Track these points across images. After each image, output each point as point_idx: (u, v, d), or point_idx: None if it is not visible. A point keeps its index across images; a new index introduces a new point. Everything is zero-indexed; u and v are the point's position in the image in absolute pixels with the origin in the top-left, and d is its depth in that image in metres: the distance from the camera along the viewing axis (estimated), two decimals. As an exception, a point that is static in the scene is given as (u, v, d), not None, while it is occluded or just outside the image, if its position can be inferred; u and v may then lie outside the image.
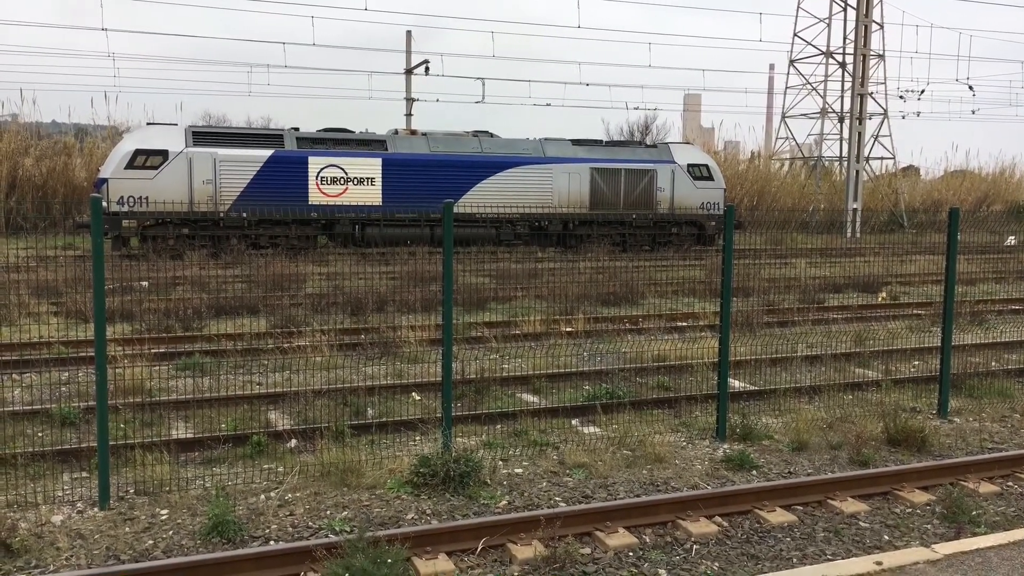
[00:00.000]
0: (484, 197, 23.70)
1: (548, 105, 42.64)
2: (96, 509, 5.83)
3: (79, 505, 5.90)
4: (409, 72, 34.81)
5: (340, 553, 4.84)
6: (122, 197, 20.86)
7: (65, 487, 6.19)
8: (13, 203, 27.14)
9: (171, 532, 5.53)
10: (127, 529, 5.56)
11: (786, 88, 40.84)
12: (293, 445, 7.14)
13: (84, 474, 6.48)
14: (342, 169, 22.82)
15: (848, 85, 36.70)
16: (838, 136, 39.28)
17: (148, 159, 21.19)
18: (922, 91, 40.23)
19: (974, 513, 6.04)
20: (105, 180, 20.96)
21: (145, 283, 14.75)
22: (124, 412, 7.69)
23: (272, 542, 5.42)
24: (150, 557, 5.18)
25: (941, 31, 40.67)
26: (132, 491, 6.15)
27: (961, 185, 44.00)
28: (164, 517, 5.75)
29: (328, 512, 5.90)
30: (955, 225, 8.42)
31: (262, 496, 6.12)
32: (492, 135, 25.48)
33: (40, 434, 7.37)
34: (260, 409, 8.12)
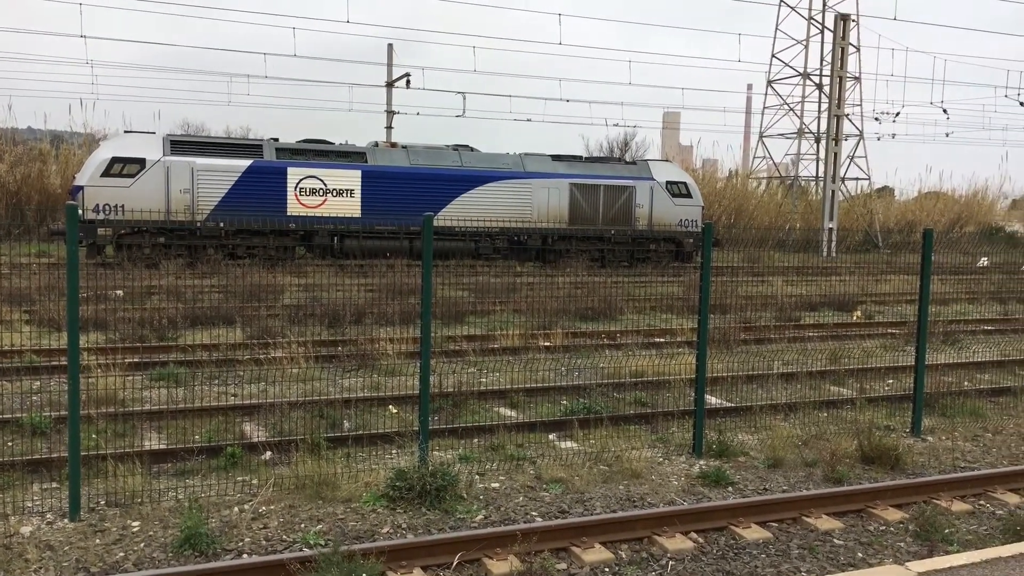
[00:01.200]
0: (464, 211, 23.73)
1: (529, 120, 42.88)
2: (66, 520, 5.74)
3: (49, 516, 5.81)
4: (390, 85, 34.83)
5: (315, 567, 4.80)
6: (98, 205, 20.68)
7: (35, 498, 6.09)
8: (-14, 209, 26.82)
9: (143, 544, 5.45)
10: (98, 541, 5.47)
11: (764, 108, 41.32)
12: (268, 457, 7.08)
13: (54, 484, 6.38)
14: (321, 180, 22.76)
15: (825, 106, 37.17)
16: (815, 156, 39.79)
17: (125, 167, 21.03)
18: (897, 114, 40.87)
19: (947, 531, 6.09)
20: (81, 187, 20.77)
21: (120, 292, 14.60)
22: (96, 422, 7.59)
23: (246, 555, 5.36)
24: (121, 570, 5.10)
25: (916, 55, 41.44)
26: (103, 502, 6.06)
27: (935, 206, 44.61)
28: (136, 529, 5.67)
29: (303, 525, 5.84)
30: (929, 246, 8.53)
31: (236, 508, 6.05)
32: (472, 149, 25.53)
33: (10, 443, 7.25)
34: (235, 420, 8.04)
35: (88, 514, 5.86)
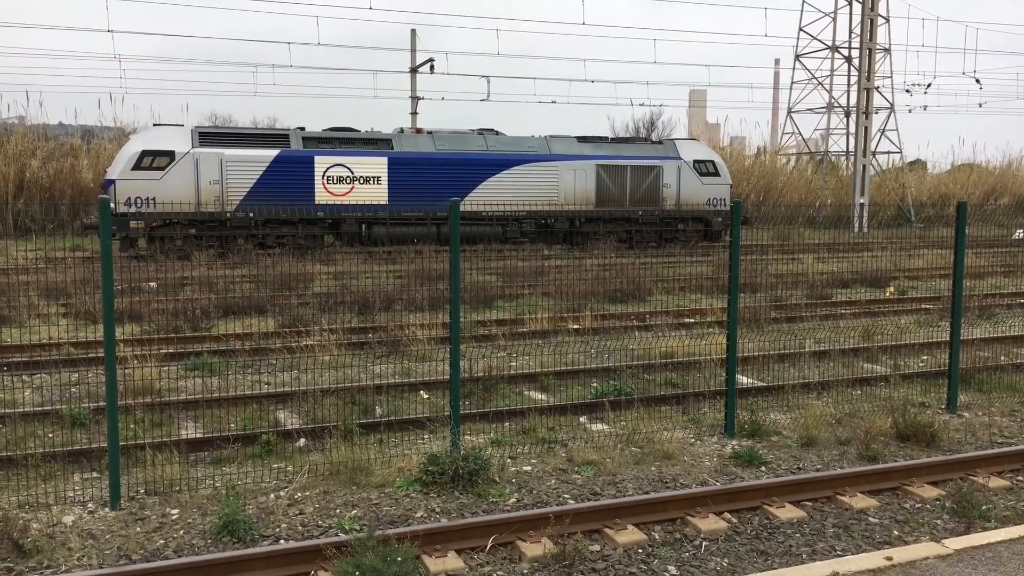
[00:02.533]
0: (490, 195, 23.71)
1: (553, 102, 42.72)
2: (107, 509, 5.85)
3: (90, 505, 5.93)
4: (414, 71, 34.81)
5: (350, 551, 4.86)
6: (129, 198, 20.92)
7: (76, 487, 6.22)
8: (21, 205, 27.24)
9: (182, 532, 5.55)
10: (138, 529, 5.58)
11: (792, 83, 40.74)
12: (302, 444, 7.16)
13: (95, 474, 6.51)
14: (348, 168, 22.85)
15: (854, 79, 36.60)
16: (844, 131, 39.20)
17: (155, 160, 21.25)
18: (928, 85, 40.14)
19: (984, 508, 6.02)
20: (112, 181, 21.03)
21: (153, 284, 14.80)
22: (134, 412, 7.72)
23: (282, 541, 5.44)
24: (161, 557, 5.20)
25: (948, 24, 40.48)
26: (143, 491, 6.17)
27: (968, 179, 43.85)
28: (175, 517, 5.77)
29: (338, 511, 5.92)
30: (963, 219, 8.40)
31: (272, 495, 6.14)
32: (498, 133, 25.48)
33: (51, 435, 7.41)
34: (269, 408, 8.15)
35: (128, 503, 5.97)
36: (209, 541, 5.41)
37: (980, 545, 5.04)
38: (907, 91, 39.98)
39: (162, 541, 5.42)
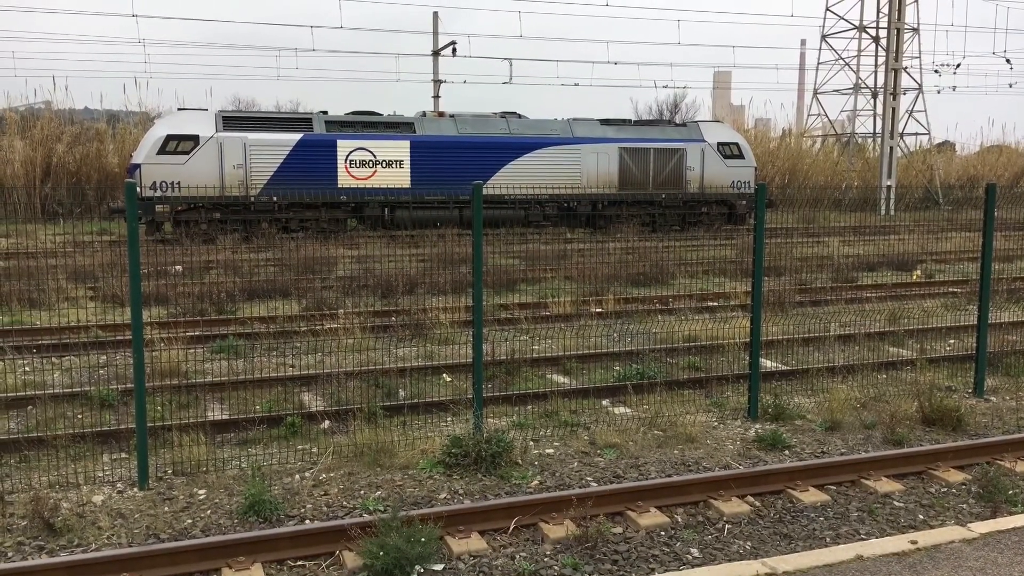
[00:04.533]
0: (513, 178, 23.66)
1: (576, 85, 42.43)
2: (135, 489, 5.94)
3: (119, 485, 6.02)
4: (436, 54, 34.74)
5: (374, 532, 4.90)
6: (155, 182, 21.09)
7: (105, 468, 6.31)
8: (48, 189, 27.55)
9: (209, 511, 5.63)
10: (166, 509, 5.67)
11: (818, 64, 40.24)
12: (326, 426, 7.22)
13: (123, 455, 6.60)
14: (371, 152, 22.88)
15: (882, 60, 36.09)
16: (871, 112, 38.69)
17: (179, 144, 21.39)
18: (958, 65, 39.51)
19: (1010, 492, 5.97)
20: (138, 165, 21.20)
21: (179, 267, 14.93)
22: (161, 394, 7.81)
23: (308, 521, 5.49)
24: (189, 536, 5.27)
25: (977, 3, 39.77)
26: (170, 471, 6.26)
27: (998, 160, 43.17)
28: (202, 497, 5.85)
29: (362, 492, 5.97)
30: (992, 201, 8.28)
31: (297, 476, 6.20)
32: (520, 116, 25.39)
33: (80, 416, 7.52)
34: (293, 391, 8.22)
35: (156, 483, 6.06)
36: (236, 521, 5.48)
37: (1006, 529, 5.00)
38: (936, 71, 39.42)
39: (190, 521, 5.49)
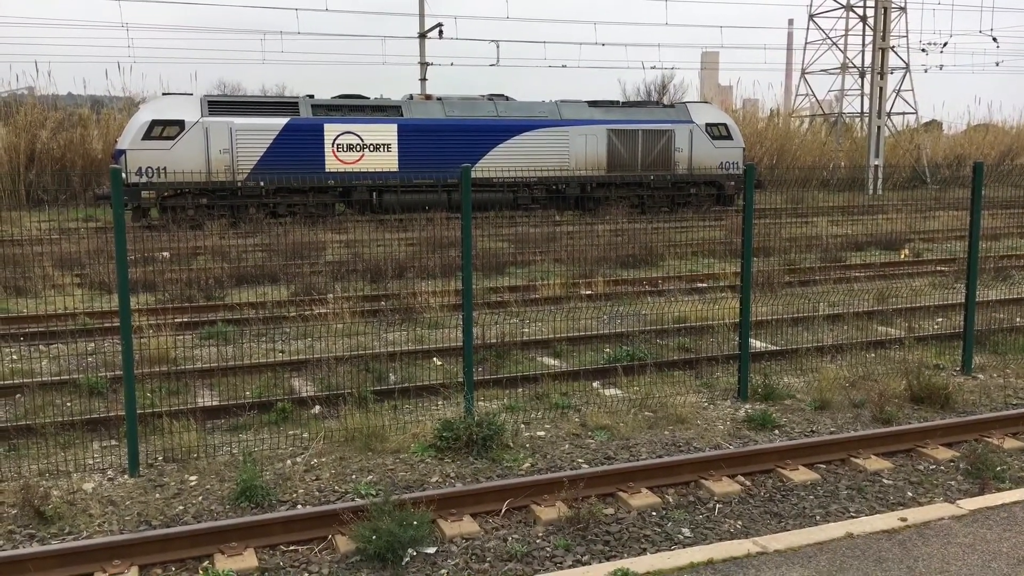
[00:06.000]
0: (501, 161, 23.60)
1: (564, 67, 42.34)
2: (126, 476, 5.93)
3: (110, 473, 6.00)
4: (423, 36, 34.52)
5: (367, 516, 4.91)
6: (140, 168, 20.93)
7: (95, 455, 6.29)
8: (32, 176, 27.31)
9: (200, 498, 5.62)
10: (157, 495, 5.65)
11: (806, 43, 40.21)
12: (317, 411, 7.21)
13: (113, 442, 6.58)
14: (358, 136, 22.76)
15: (869, 39, 36.07)
16: (859, 92, 38.73)
17: (165, 129, 21.22)
18: (944, 44, 39.54)
19: (999, 469, 6.02)
20: (123, 151, 21.03)
21: (166, 253, 14.85)
22: (150, 381, 7.78)
23: (300, 506, 5.49)
24: (181, 522, 5.27)
25: (964, -19, 39.72)
26: (161, 458, 6.24)
27: (984, 139, 43.32)
28: (193, 483, 5.84)
29: (353, 476, 5.97)
30: (979, 180, 8.30)
31: (288, 461, 6.20)
32: (508, 98, 25.30)
33: (69, 404, 7.48)
34: (284, 376, 8.19)
35: (147, 470, 6.04)
36: (228, 507, 5.47)
37: (995, 506, 5.05)
38: (923, 50, 39.44)
39: (181, 507, 5.49)
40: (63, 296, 11.70)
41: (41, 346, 9.54)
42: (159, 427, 6.59)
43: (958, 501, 5.23)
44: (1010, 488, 5.65)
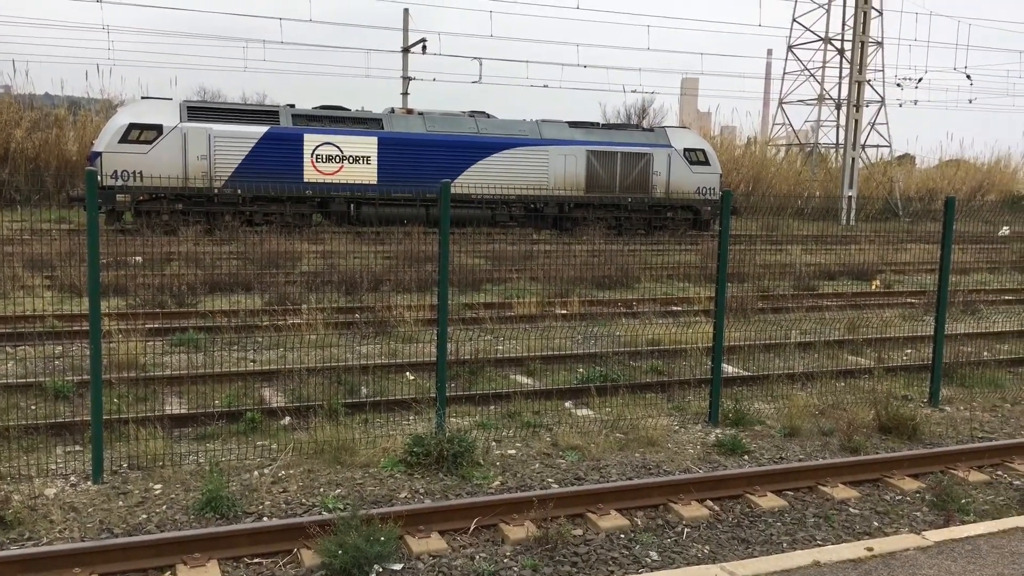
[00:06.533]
0: (480, 178, 23.65)
1: (545, 87, 42.61)
2: (89, 483, 5.83)
3: (72, 479, 5.90)
4: (406, 51, 34.61)
5: (333, 530, 4.86)
6: (116, 171, 20.74)
7: (59, 460, 6.18)
8: (5, 175, 26.95)
9: (164, 507, 5.53)
10: (120, 503, 5.56)
11: (784, 74, 40.78)
12: (287, 422, 7.14)
13: (78, 448, 6.48)
14: (338, 147, 22.72)
15: (846, 72, 36.64)
16: (835, 123, 39.28)
17: (142, 133, 21.06)
18: (920, 79, 40.20)
19: (963, 501, 6.08)
20: (99, 154, 20.83)
21: (139, 258, 14.70)
22: (118, 387, 7.68)
23: (266, 518, 5.43)
24: (144, 531, 5.18)
25: (940, 19, 40.54)
26: (125, 465, 6.15)
27: (956, 174, 44.06)
28: (158, 492, 5.75)
29: (321, 489, 5.91)
30: (951, 214, 8.44)
31: (256, 472, 6.13)
32: (489, 116, 25.39)
33: (33, 407, 7.36)
34: (254, 386, 8.12)
35: (111, 476, 5.95)
36: (192, 517, 5.40)
37: (960, 538, 5.09)
38: (898, 85, 40.08)
39: (145, 516, 5.40)
40: (32, 298, 11.53)
41: (7, 347, 9.38)
42: (125, 434, 6.49)
43: (924, 532, 5.27)
44: (974, 521, 5.71)
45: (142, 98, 23.72)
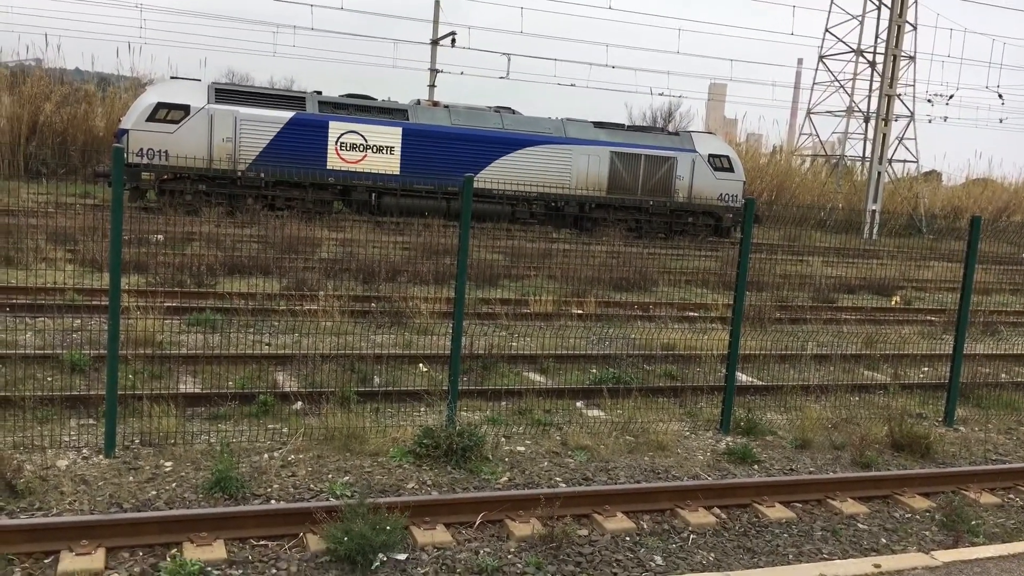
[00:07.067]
0: (502, 174, 23.62)
1: (572, 85, 42.48)
2: (101, 456, 5.88)
3: (84, 451, 5.95)
4: (435, 43, 34.61)
5: (340, 517, 4.88)
6: (141, 149, 20.87)
7: (72, 433, 6.24)
8: (33, 148, 27.19)
9: (174, 484, 5.57)
10: (131, 478, 5.60)
11: (813, 84, 40.45)
12: (299, 407, 7.17)
13: (91, 421, 6.53)
14: (362, 136, 22.76)
15: (876, 85, 36.34)
16: (862, 136, 38.97)
17: (169, 113, 21.18)
18: (951, 96, 39.87)
19: (974, 523, 6.03)
20: (126, 131, 20.97)
21: (160, 236, 14.79)
22: (133, 363, 7.73)
23: (274, 501, 5.46)
24: (152, 507, 5.22)
25: (974, 36, 40.10)
26: (138, 441, 6.20)
27: (982, 193, 43.60)
28: (168, 469, 5.79)
29: (330, 476, 5.93)
30: (976, 233, 8.35)
31: (266, 455, 6.16)
32: (514, 112, 25.36)
33: (49, 379, 7.43)
34: (268, 369, 8.16)
35: (122, 451, 5.99)
36: (201, 496, 5.43)
37: (969, 560, 5.05)
38: (928, 100, 39.72)
39: (154, 492, 5.44)
40: (53, 270, 11.64)
41: (27, 318, 9.47)
42: (138, 410, 6.54)
43: (932, 552, 5.23)
44: (984, 543, 5.66)
45: (171, 78, 23.84)
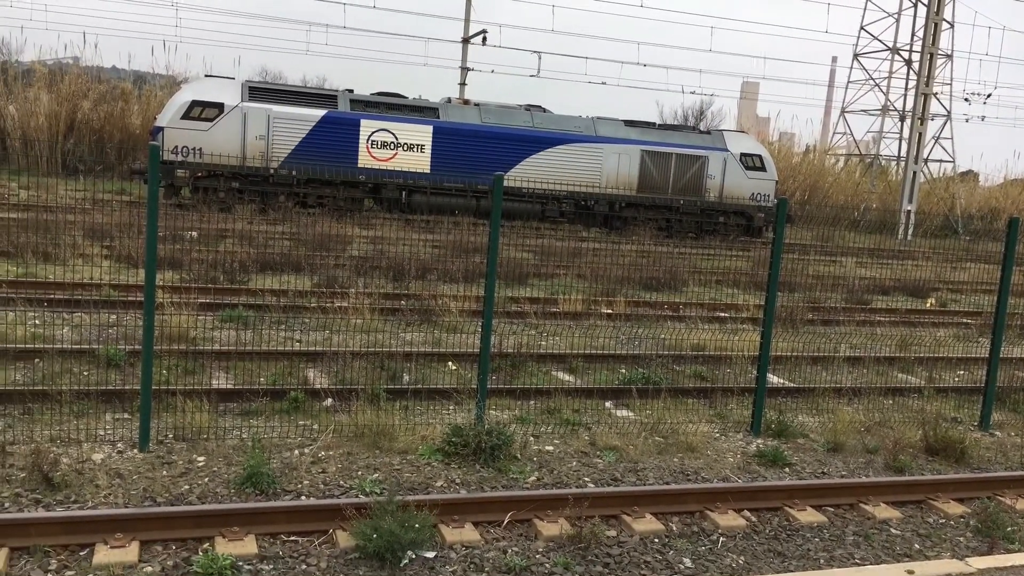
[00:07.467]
0: (532, 172, 23.62)
1: (603, 83, 42.25)
2: (136, 451, 5.96)
3: (119, 445, 6.04)
4: (466, 41, 34.66)
5: (369, 514, 4.90)
6: (176, 147, 21.13)
7: (107, 427, 6.33)
8: (70, 145, 27.63)
9: (207, 479, 5.64)
10: (164, 472, 5.68)
11: (848, 82, 40.00)
12: (329, 404, 7.23)
13: (126, 416, 6.62)
14: (393, 134, 22.87)
15: (912, 83, 35.84)
16: (898, 135, 38.45)
17: (204, 111, 21.42)
18: (988, 95, 39.18)
19: (1009, 529, 5.93)
20: (161, 129, 21.24)
21: (194, 233, 14.97)
22: (167, 358, 7.83)
23: (304, 497, 5.50)
24: (185, 501, 5.29)
25: (1013, 34, 39.41)
26: (171, 436, 6.28)
27: (1021, 194, 42.81)
28: (201, 464, 5.86)
29: (359, 473, 5.97)
30: (1014, 235, 8.21)
31: (296, 451, 6.21)
32: (545, 110, 25.33)
33: (86, 373, 7.55)
34: (299, 366, 8.23)
35: (156, 446, 6.07)
36: (232, 491, 5.49)
37: (1004, 567, 4.97)
38: (966, 99, 39.08)
39: (187, 486, 5.51)
40: (90, 266, 11.82)
41: (64, 313, 9.63)
42: (172, 405, 6.62)
43: (966, 558, 5.16)
44: (1019, 550, 5.56)
45: (205, 76, 24.10)
